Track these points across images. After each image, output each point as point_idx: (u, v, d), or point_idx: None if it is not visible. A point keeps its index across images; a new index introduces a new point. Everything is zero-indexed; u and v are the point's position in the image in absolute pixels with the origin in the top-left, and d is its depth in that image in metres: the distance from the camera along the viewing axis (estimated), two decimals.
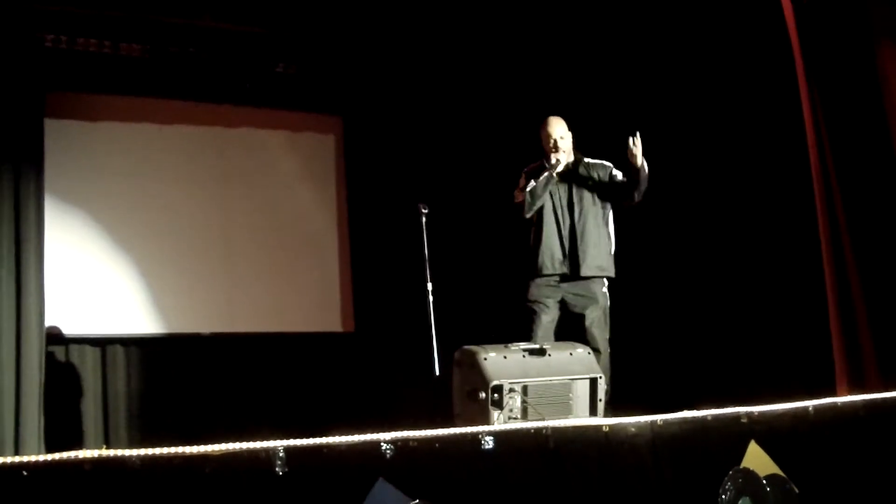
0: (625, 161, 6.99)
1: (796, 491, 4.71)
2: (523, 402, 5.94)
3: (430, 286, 6.67)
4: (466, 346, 6.31)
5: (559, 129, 7.16)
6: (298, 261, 9.71)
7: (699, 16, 8.62)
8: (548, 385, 6.09)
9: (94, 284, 8.91)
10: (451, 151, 9.81)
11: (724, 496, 4.60)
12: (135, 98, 9.31)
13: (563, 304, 7.07)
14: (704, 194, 8.78)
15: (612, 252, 7.18)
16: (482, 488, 4.17)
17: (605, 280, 7.15)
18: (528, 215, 7.02)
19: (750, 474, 4.68)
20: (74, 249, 8.88)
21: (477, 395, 5.92)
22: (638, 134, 6.95)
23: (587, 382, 6.21)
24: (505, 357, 6.11)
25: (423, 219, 6.87)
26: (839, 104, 7.51)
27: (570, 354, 6.34)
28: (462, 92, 9.96)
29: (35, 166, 8.65)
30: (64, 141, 8.92)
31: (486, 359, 6.02)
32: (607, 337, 7.06)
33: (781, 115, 7.93)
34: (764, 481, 4.68)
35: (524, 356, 6.18)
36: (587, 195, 7.11)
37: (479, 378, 5.97)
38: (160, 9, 8.83)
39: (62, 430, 8.60)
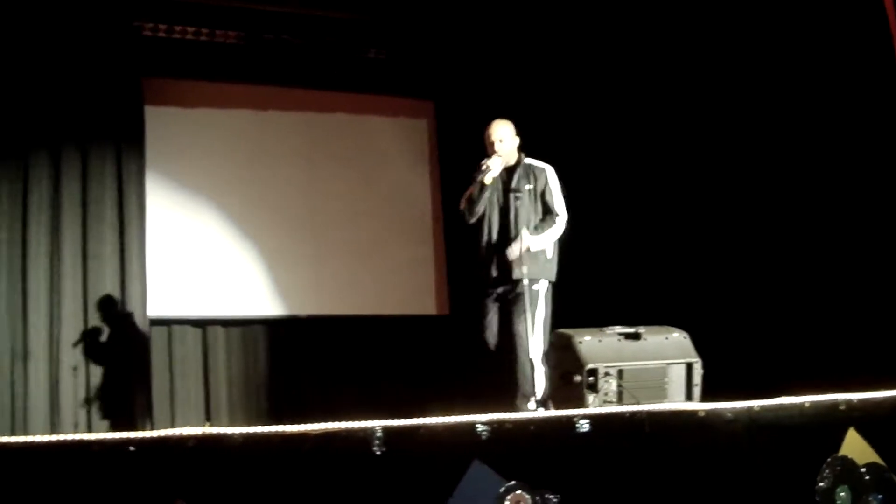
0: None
1: None
2: (618, 385, 5.93)
3: (525, 269, 6.62)
4: (562, 330, 6.29)
5: (500, 132, 6.89)
6: (393, 244, 9.75)
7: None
8: (643, 369, 6.07)
9: (195, 267, 9.07)
10: (543, 135, 9.77)
11: (821, 484, 4.55)
12: (230, 84, 9.44)
13: (499, 306, 6.81)
14: (801, 180, 8.67)
15: (551, 256, 6.83)
16: (577, 471, 4.17)
17: (542, 284, 6.76)
18: (470, 222, 6.80)
19: (848, 462, 4.63)
20: (175, 233, 9.03)
21: (572, 379, 5.92)
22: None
23: (683, 367, 6.18)
24: (600, 340, 6.10)
25: (517, 202, 6.83)
26: None
27: (666, 339, 6.31)
28: (552, 75, 9.94)
29: (136, 152, 8.90)
30: (163, 127, 9.09)
31: (581, 342, 6.02)
32: (531, 334, 6.56)
33: (879, 109, 7.80)
34: (863, 469, 4.62)
35: (619, 340, 6.17)
36: (525, 199, 6.81)
37: (574, 361, 5.97)
38: None
39: (166, 408, 8.80)
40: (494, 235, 6.77)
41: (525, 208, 6.75)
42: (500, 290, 6.73)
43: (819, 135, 8.49)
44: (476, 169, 6.82)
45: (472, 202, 6.76)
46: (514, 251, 6.62)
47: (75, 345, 8.47)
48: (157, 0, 8.76)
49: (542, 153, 9.37)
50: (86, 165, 8.72)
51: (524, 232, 6.61)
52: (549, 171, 6.97)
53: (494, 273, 6.72)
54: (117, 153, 8.83)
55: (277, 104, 9.62)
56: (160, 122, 9.09)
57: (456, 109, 9.99)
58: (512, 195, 6.75)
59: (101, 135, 8.79)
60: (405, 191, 9.91)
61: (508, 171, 6.84)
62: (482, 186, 6.72)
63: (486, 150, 6.89)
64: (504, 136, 6.87)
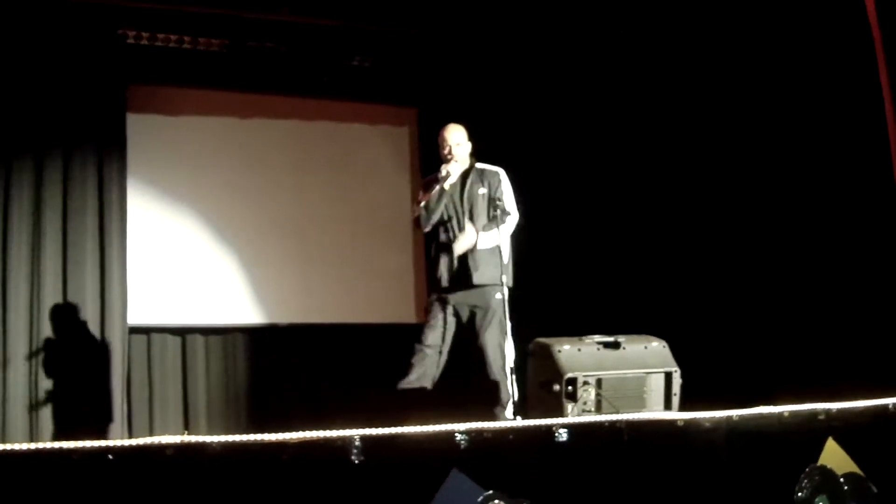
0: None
1: (874, 490, 4.65)
2: (597, 394, 5.94)
3: (504, 278, 6.65)
4: (541, 339, 6.30)
5: (456, 136, 6.89)
6: (374, 252, 9.76)
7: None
8: (622, 378, 6.09)
9: (175, 275, 9.05)
10: (526, 143, 9.81)
11: (800, 493, 4.57)
12: (214, 91, 9.44)
13: (457, 316, 6.78)
14: (784, 187, 8.69)
15: (507, 261, 6.70)
16: (555, 480, 4.18)
17: (500, 289, 6.64)
18: (426, 230, 6.77)
19: (827, 472, 4.65)
20: (156, 241, 9.02)
21: (551, 388, 5.93)
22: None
23: (662, 376, 6.19)
24: (579, 350, 6.11)
25: (498, 211, 6.84)
26: None
27: (645, 348, 6.32)
28: (536, 83, 9.96)
29: (118, 159, 8.90)
30: (145, 134, 9.08)
31: (560, 351, 6.03)
32: (503, 344, 6.51)
33: (862, 99, 7.82)
34: (841, 479, 4.64)
35: (598, 349, 6.18)
36: (480, 204, 6.81)
37: (553, 370, 5.98)
38: (238, 3, 8.94)
39: (145, 417, 8.79)
40: (452, 239, 6.75)
41: (481, 213, 6.78)
42: (457, 295, 6.72)
43: (799, 143, 8.52)
44: (433, 176, 6.86)
45: (430, 209, 6.74)
46: (461, 245, 6.65)
47: (54, 352, 8.46)
48: (142, 8, 8.76)
49: (523, 160, 9.43)
50: (67, 172, 8.70)
51: (469, 226, 6.67)
52: (502, 175, 6.99)
53: (451, 278, 6.72)
54: (99, 160, 8.81)
55: (261, 111, 9.61)
56: (143, 130, 9.07)
57: (439, 116, 9.97)
58: (466, 200, 6.77)
59: (83, 141, 8.78)
60: (387, 198, 9.91)
61: (462, 176, 6.85)
62: (441, 192, 6.72)
63: (440, 155, 6.90)
64: (461, 140, 6.90)
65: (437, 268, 6.77)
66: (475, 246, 6.67)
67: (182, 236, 9.13)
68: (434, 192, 6.74)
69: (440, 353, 6.73)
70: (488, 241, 6.68)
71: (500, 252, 6.59)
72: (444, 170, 6.76)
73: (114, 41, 8.88)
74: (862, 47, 7.59)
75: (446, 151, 6.85)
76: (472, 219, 6.76)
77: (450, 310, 6.74)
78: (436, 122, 9.86)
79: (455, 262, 6.71)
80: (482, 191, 6.84)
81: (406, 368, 6.78)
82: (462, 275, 6.70)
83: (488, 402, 6.47)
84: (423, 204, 6.76)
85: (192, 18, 9.00)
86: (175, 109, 9.30)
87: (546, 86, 9.99)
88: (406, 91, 10.00)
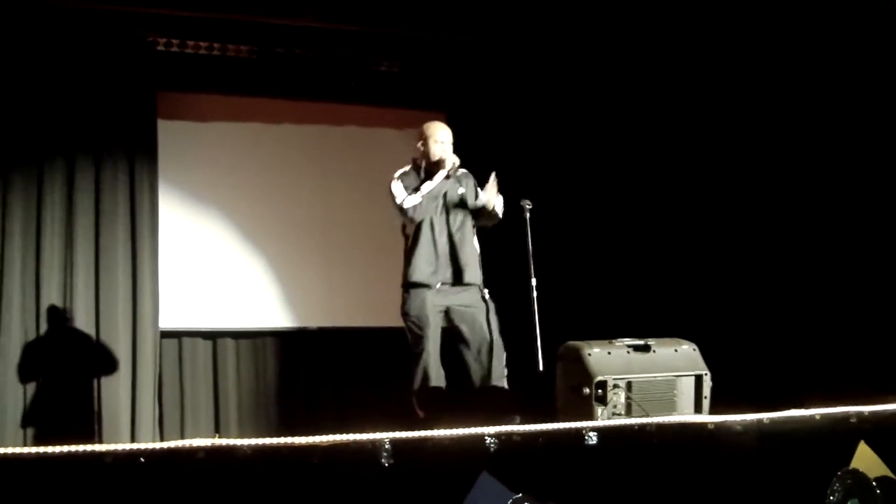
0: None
1: None
2: (627, 398, 5.92)
3: (533, 282, 6.65)
4: (570, 342, 6.29)
5: (446, 134, 6.92)
6: (401, 257, 9.75)
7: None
8: (652, 381, 6.06)
9: (205, 279, 9.12)
10: (554, 146, 9.82)
11: (832, 497, 4.54)
12: (243, 98, 9.49)
13: (445, 314, 6.75)
14: (818, 190, 8.65)
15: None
16: (585, 484, 4.17)
17: (483, 289, 6.80)
18: (418, 220, 6.70)
19: (859, 475, 4.61)
20: (186, 246, 9.10)
21: (581, 391, 5.91)
22: (493, 174, 6.82)
23: (692, 379, 6.16)
24: (609, 353, 6.09)
25: (527, 215, 6.86)
26: None
27: (675, 351, 6.29)
28: (565, 86, 9.96)
29: (148, 164, 8.96)
30: (175, 140, 9.15)
31: (590, 354, 6.01)
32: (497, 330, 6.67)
33: (873, 105, 7.79)
34: (874, 483, 4.60)
35: (628, 352, 6.15)
36: (460, 203, 6.84)
37: (583, 373, 5.96)
38: (266, 10, 8.97)
39: (176, 420, 8.83)
40: (439, 238, 6.74)
41: (458, 213, 6.82)
42: (446, 294, 6.71)
43: (832, 143, 8.48)
44: (409, 170, 6.88)
45: (431, 197, 6.71)
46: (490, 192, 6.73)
47: (87, 356, 8.52)
48: (171, 15, 8.82)
49: (552, 162, 9.42)
50: (99, 177, 8.79)
51: (492, 178, 6.76)
52: (472, 178, 7.04)
53: (439, 276, 6.71)
54: (130, 165, 8.89)
55: (289, 117, 9.66)
56: (173, 135, 9.16)
57: (467, 121, 10.00)
58: (448, 195, 6.80)
59: (114, 147, 8.86)
60: None
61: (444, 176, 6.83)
62: (441, 183, 6.73)
63: (429, 148, 6.87)
64: (450, 139, 6.94)
65: (419, 264, 6.72)
66: (468, 245, 6.77)
67: (212, 240, 9.18)
68: (437, 181, 6.72)
69: (438, 352, 6.70)
70: (475, 241, 6.82)
71: (477, 247, 6.80)
72: (449, 162, 6.77)
73: (144, 48, 8.99)
74: (872, 45, 7.57)
75: (441, 149, 6.84)
76: (447, 218, 6.77)
77: (438, 308, 6.71)
78: (464, 126, 9.91)
79: (444, 259, 6.71)
80: (461, 191, 6.87)
81: (415, 375, 6.70)
82: (453, 273, 6.72)
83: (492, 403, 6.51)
84: (424, 192, 6.69)
85: (221, 25, 9.06)
86: (204, 115, 9.37)
87: (571, 89, 9.98)
88: (434, 96, 10.01)
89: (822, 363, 8.20)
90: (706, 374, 6.19)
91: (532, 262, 6.74)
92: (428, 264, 6.70)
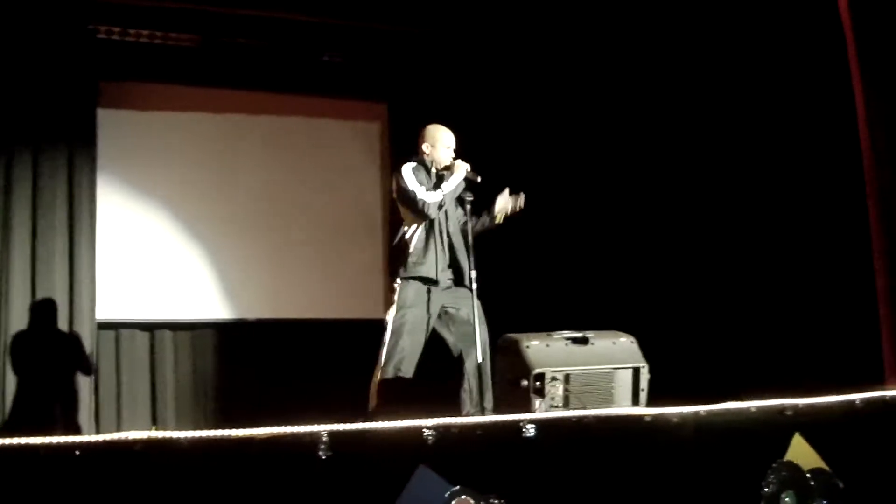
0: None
1: (841, 486, 4.67)
2: (565, 390, 5.94)
3: (473, 274, 6.67)
4: (509, 334, 6.31)
5: (452, 139, 7.06)
6: (344, 248, 9.76)
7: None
8: (590, 374, 6.09)
9: (144, 271, 9.05)
10: (495, 138, 9.83)
11: (766, 489, 4.58)
12: (186, 87, 9.44)
13: (439, 311, 6.80)
14: (755, 184, 8.74)
15: None
16: (523, 476, 4.18)
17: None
18: (432, 217, 6.77)
19: (794, 467, 4.65)
20: (125, 236, 9.02)
21: (519, 383, 5.93)
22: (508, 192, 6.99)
23: (630, 372, 6.20)
24: (547, 345, 6.10)
25: (468, 206, 6.88)
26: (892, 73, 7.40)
27: (614, 343, 6.32)
28: (506, 77, 9.98)
29: (88, 154, 8.87)
30: (116, 130, 9.09)
31: (528, 347, 6.03)
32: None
33: (833, 105, 7.87)
34: (808, 475, 4.65)
35: (567, 344, 6.17)
36: (463, 206, 6.95)
37: (521, 366, 5.97)
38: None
39: (113, 412, 8.76)
40: (446, 238, 6.81)
41: (453, 214, 6.95)
42: (445, 293, 6.75)
43: (766, 141, 8.57)
44: (414, 162, 6.94)
45: (450, 196, 6.82)
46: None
47: (23, 348, 8.42)
48: (113, 3, 8.73)
49: (491, 156, 9.41)
50: (37, 168, 8.69)
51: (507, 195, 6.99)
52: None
53: (449, 275, 6.77)
54: (69, 155, 8.80)
55: (233, 107, 9.61)
56: (114, 125, 9.08)
57: (410, 112, 10.01)
58: (458, 203, 6.89)
59: (53, 137, 8.77)
60: (358, 193, 9.93)
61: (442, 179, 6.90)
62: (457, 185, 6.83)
63: (438, 153, 6.97)
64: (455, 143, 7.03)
65: (429, 259, 6.76)
66: (468, 248, 6.84)
67: (152, 232, 9.12)
68: (460, 183, 6.84)
69: (422, 344, 6.71)
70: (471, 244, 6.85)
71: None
72: (463, 167, 6.88)
73: (85, 36, 8.86)
74: (834, 49, 7.65)
75: (452, 154, 6.99)
76: (450, 219, 6.87)
77: (434, 304, 6.74)
78: (406, 117, 9.94)
79: (450, 259, 6.80)
80: (468, 197, 6.94)
81: (387, 364, 6.68)
82: (454, 273, 6.80)
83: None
84: (447, 192, 6.78)
85: (164, 13, 8.97)
86: (147, 105, 9.29)
87: (513, 82, 10.00)
88: (377, 87, 10.00)
89: (758, 356, 8.29)
90: (644, 367, 6.22)
91: (471, 254, 6.75)
92: (437, 261, 6.75)
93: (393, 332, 6.68)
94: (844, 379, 5.56)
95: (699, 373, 8.32)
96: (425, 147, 7.01)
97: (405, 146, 9.82)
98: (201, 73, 9.37)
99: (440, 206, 6.75)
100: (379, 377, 6.65)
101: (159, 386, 8.98)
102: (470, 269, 6.72)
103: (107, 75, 9.04)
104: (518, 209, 7.07)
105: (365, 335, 9.56)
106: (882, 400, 5.08)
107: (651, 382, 6.27)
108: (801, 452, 4.72)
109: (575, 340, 6.21)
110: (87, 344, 8.62)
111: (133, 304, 8.95)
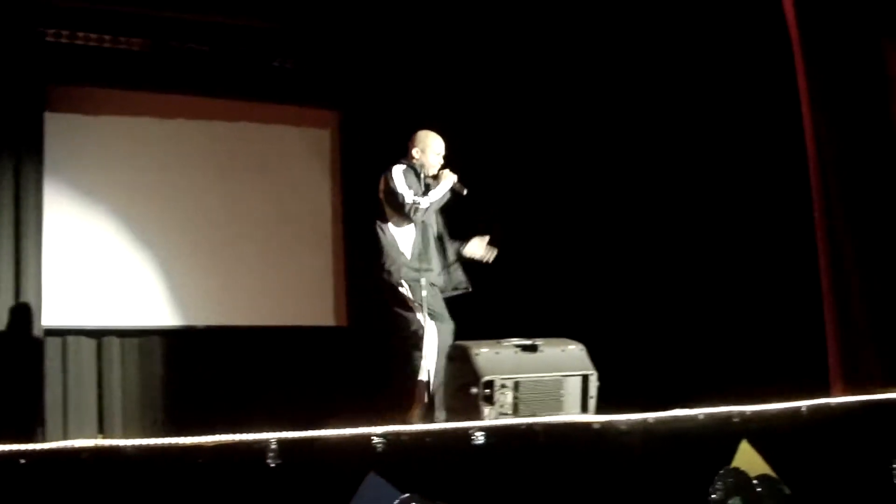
0: None
1: (787, 492, 4.71)
2: (514, 397, 5.94)
3: (423, 281, 6.69)
4: (458, 342, 6.32)
5: (442, 146, 7.19)
6: (294, 255, 9.72)
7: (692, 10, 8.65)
8: (539, 381, 6.09)
9: (92, 277, 8.95)
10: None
11: (714, 495, 4.61)
12: (135, 92, 9.33)
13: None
14: (700, 192, 8.80)
15: None
16: (472, 483, 4.18)
17: None
18: (419, 220, 6.92)
19: (740, 474, 4.69)
20: (73, 242, 8.92)
21: (468, 391, 5.93)
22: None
23: (579, 379, 6.21)
24: (497, 353, 6.11)
25: (418, 214, 6.89)
26: (840, 100, 7.50)
27: (563, 351, 6.33)
28: (459, 86, 9.98)
29: (35, 159, 8.76)
30: (64, 134, 8.98)
31: (477, 354, 6.03)
32: None
33: (779, 111, 7.94)
34: (755, 481, 4.69)
35: (516, 352, 6.18)
36: (444, 214, 7.16)
37: (470, 373, 5.97)
38: (160, 3, 8.85)
39: (59, 420, 8.66)
40: (437, 243, 7.05)
41: (444, 222, 7.14)
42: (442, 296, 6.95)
43: (714, 149, 8.64)
44: (403, 165, 7.04)
45: (438, 203, 6.96)
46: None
47: None
48: (62, 6, 8.65)
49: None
50: None
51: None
52: None
53: (441, 278, 6.99)
54: (16, 160, 8.67)
55: (183, 112, 9.54)
56: (62, 129, 8.97)
57: (361, 119, 10.00)
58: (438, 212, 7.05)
59: None
60: (308, 201, 9.90)
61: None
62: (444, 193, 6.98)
63: (428, 159, 7.12)
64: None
65: (433, 264, 6.95)
66: (448, 246, 7.09)
67: (100, 237, 9.03)
68: (442, 192, 6.98)
69: None
70: None
71: None
72: (451, 177, 7.04)
73: (33, 39, 8.75)
74: (782, 59, 7.73)
75: (441, 161, 7.13)
76: (434, 223, 7.07)
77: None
78: (357, 125, 9.92)
79: (442, 262, 7.04)
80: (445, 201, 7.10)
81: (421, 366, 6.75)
82: (445, 279, 7.03)
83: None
84: (434, 199, 6.93)
85: (114, 17, 8.90)
86: (95, 109, 9.20)
87: (463, 92, 10.00)
88: (328, 94, 9.98)
89: (706, 364, 8.35)
90: (593, 374, 6.24)
91: (381, 263, 6.81)
92: (429, 265, 6.92)
93: (431, 334, 6.76)
94: (791, 386, 5.62)
95: (648, 380, 8.37)
96: (415, 152, 7.10)
97: (356, 153, 9.87)
98: (151, 78, 9.27)
99: (426, 211, 6.87)
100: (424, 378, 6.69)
101: (106, 393, 8.88)
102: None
103: (55, 79, 8.93)
104: (486, 261, 7.23)
105: (315, 342, 9.61)
106: (827, 407, 5.13)
107: (600, 390, 6.29)
108: (748, 459, 4.76)
109: (524, 348, 6.22)
110: (34, 350, 8.51)
111: (80, 311, 8.85)
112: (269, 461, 3.78)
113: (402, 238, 6.95)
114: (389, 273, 6.90)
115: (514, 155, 9.98)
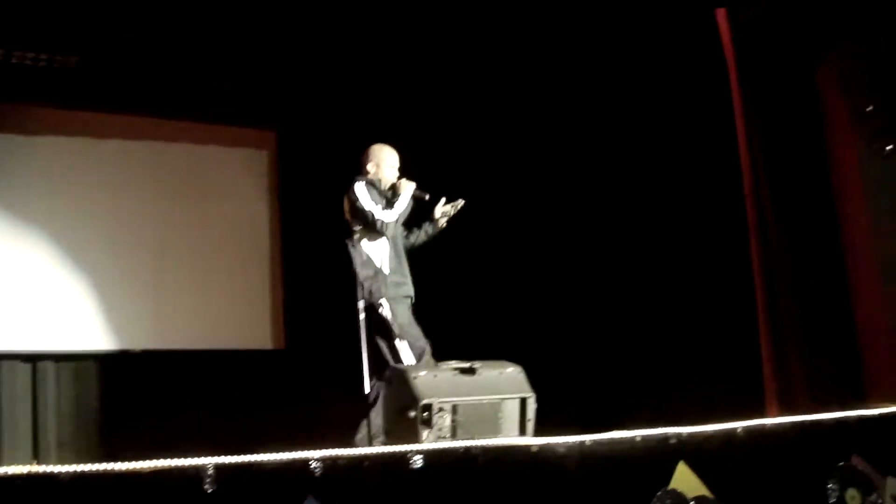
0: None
1: None
2: (453, 421, 5.93)
3: (361, 304, 6.68)
4: (397, 364, 6.31)
5: (396, 159, 7.23)
6: (231, 277, 9.67)
7: (630, 29, 8.72)
8: (477, 404, 6.08)
9: (26, 300, 8.82)
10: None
11: None
12: (70, 112, 9.26)
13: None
14: (635, 209, 8.87)
15: None
16: None
17: None
18: (389, 235, 6.95)
19: (678, 495, 4.70)
20: (4, 264, 8.78)
21: (407, 414, 5.92)
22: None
23: (517, 402, 6.21)
24: (435, 375, 6.10)
25: (388, 228, 6.89)
26: (774, 115, 7.61)
27: (501, 373, 6.33)
28: (394, 105, 9.98)
29: None
30: None
31: (416, 377, 6.01)
32: None
33: (714, 128, 8.03)
34: (692, 502, 4.71)
35: (454, 374, 6.17)
36: (406, 223, 7.18)
37: (409, 396, 5.96)
38: (96, 21, 8.76)
39: None
40: (405, 256, 7.07)
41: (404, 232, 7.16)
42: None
43: (649, 171, 8.71)
44: (364, 179, 7.04)
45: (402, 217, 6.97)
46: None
47: None
48: None
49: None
50: None
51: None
52: None
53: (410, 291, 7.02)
54: None
55: (119, 133, 9.47)
56: None
57: (298, 140, 9.98)
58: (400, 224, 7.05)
59: None
60: (245, 222, 9.86)
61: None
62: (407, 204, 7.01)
63: (383, 173, 7.13)
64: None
65: (401, 277, 6.98)
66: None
67: (33, 260, 8.91)
68: (405, 203, 7.00)
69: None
70: None
71: None
72: (410, 186, 7.07)
73: None
74: (715, 73, 7.83)
75: (397, 173, 7.14)
76: (399, 235, 7.09)
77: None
78: (295, 145, 9.90)
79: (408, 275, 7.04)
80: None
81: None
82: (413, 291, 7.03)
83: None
84: (400, 211, 6.95)
85: (46, 34, 8.80)
86: (27, 129, 9.10)
87: (399, 106, 9.99)
88: (265, 114, 9.95)
89: (643, 386, 8.40)
90: (531, 397, 6.25)
91: (361, 284, 6.76)
92: (404, 277, 6.97)
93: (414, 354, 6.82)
94: (727, 408, 5.66)
95: (585, 402, 8.41)
96: (370, 167, 7.13)
97: (293, 174, 9.84)
98: (87, 97, 9.18)
99: (396, 224, 6.89)
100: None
101: (41, 418, 8.75)
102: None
103: None
104: (457, 209, 7.26)
105: (252, 365, 9.55)
106: (762, 428, 5.18)
107: (538, 412, 6.30)
108: (685, 480, 4.78)
109: (462, 370, 6.21)
110: None
111: (14, 334, 8.73)
112: (206, 486, 3.74)
113: (377, 254, 6.95)
114: (370, 293, 6.85)
115: (446, 173, 9.98)
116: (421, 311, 9.21)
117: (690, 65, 8.30)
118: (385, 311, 6.83)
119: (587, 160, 9.33)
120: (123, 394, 9.07)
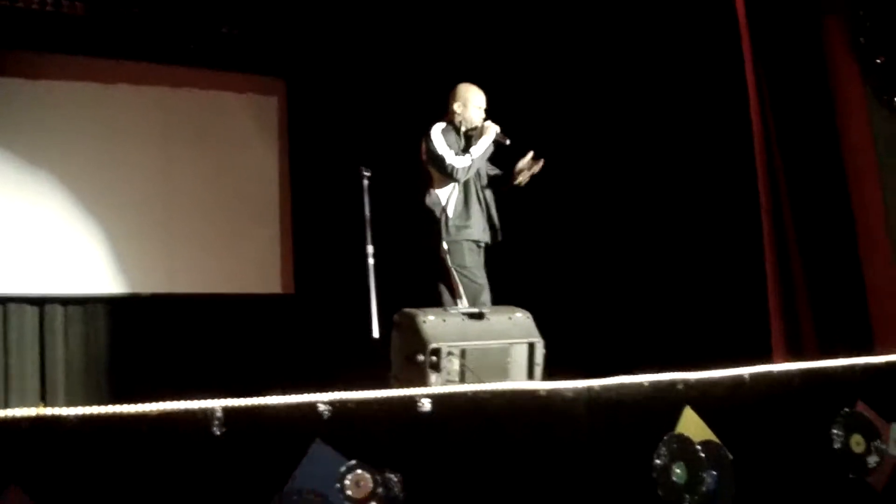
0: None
1: (730, 457, 4.75)
2: (461, 365, 5.95)
3: (370, 249, 6.68)
4: (406, 309, 6.32)
5: (483, 99, 7.18)
6: (240, 222, 9.68)
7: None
8: (486, 349, 6.11)
9: (34, 244, 8.85)
10: (393, 115, 9.80)
11: (658, 461, 4.64)
12: (78, 57, 9.25)
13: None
14: (647, 170, 8.84)
15: None
16: (419, 450, 4.19)
17: None
18: (463, 179, 6.95)
19: (684, 440, 4.71)
20: (13, 208, 8.81)
21: (415, 358, 5.93)
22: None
23: (525, 347, 6.23)
24: (444, 320, 6.12)
25: (365, 182, 6.87)
26: (784, 82, 7.58)
27: (509, 318, 6.35)
28: (406, 54, 9.93)
29: None
30: (4, 99, 8.84)
31: (425, 322, 6.03)
32: None
33: (725, 93, 7.99)
34: (698, 447, 4.72)
35: (463, 320, 6.20)
36: (486, 168, 7.19)
37: (417, 341, 5.98)
38: None
39: (1, 389, 8.58)
40: (482, 198, 7.12)
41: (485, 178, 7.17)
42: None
43: (656, 133, 8.68)
44: (443, 123, 7.06)
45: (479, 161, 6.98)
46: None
47: None
48: None
49: (391, 129, 9.42)
50: None
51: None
52: None
53: (487, 236, 7.08)
54: None
55: (126, 78, 9.48)
56: (2, 94, 8.86)
57: (307, 88, 9.94)
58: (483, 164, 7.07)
59: None
60: (254, 168, 9.86)
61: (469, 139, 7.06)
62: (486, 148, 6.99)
63: (469, 113, 7.10)
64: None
65: (474, 222, 6.98)
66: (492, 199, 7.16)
67: (41, 204, 8.95)
68: (490, 146, 7.01)
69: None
70: None
71: None
72: (493, 129, 7.04)
73: None
74: (729, 49, 7.78)
75: (482, 114, 7.11)
76: (478, 177, 7.12)
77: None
78: (304, 93, 9.86)
79: (486, 217, 7.09)
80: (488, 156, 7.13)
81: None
82: (490, 231, 7.11)
83: None
84: (476, 156, 6.94)
85: None
86: (35, 74, 9.11)
87: (407, 57, 9.94)
88: (275, 61, 9.91)
89: (650, 331, 8.41)
90: (539, 342, 6.27)
91: (370, 229, 6.75)
92: (480, 222, 7.00)
93: (468, 297, 6.85)
94: (734, 354, 5.67)
95: (593, 348, 8.42)
96: (456, 107, 7.10)
97: (302, 122, 9.81)
98: (93, 43, 9.18)
99: (469, 169, 6.87)
100: None
101: (49, 362, 8.82)
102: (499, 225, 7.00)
103: None
104: (537, 170, 7.18)
105: (261, 309, 9.58)
106: (769, 374, 5.18)
107: (546, 357, 6.32)
108: (691, 425, 4.78)
109: (471, 316, 6.24)
110: None
111: (22, 278, 8.77)
112: (214, 429, 3.75)
113: (444, 196, 6.99)
114: (438, 235, 6.92)
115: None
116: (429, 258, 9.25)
117: (704, 37, 8.26)
118: (443, 252, 6.87)
119: (591, 114, 9.29)
120: (132, 338, 9.12)
